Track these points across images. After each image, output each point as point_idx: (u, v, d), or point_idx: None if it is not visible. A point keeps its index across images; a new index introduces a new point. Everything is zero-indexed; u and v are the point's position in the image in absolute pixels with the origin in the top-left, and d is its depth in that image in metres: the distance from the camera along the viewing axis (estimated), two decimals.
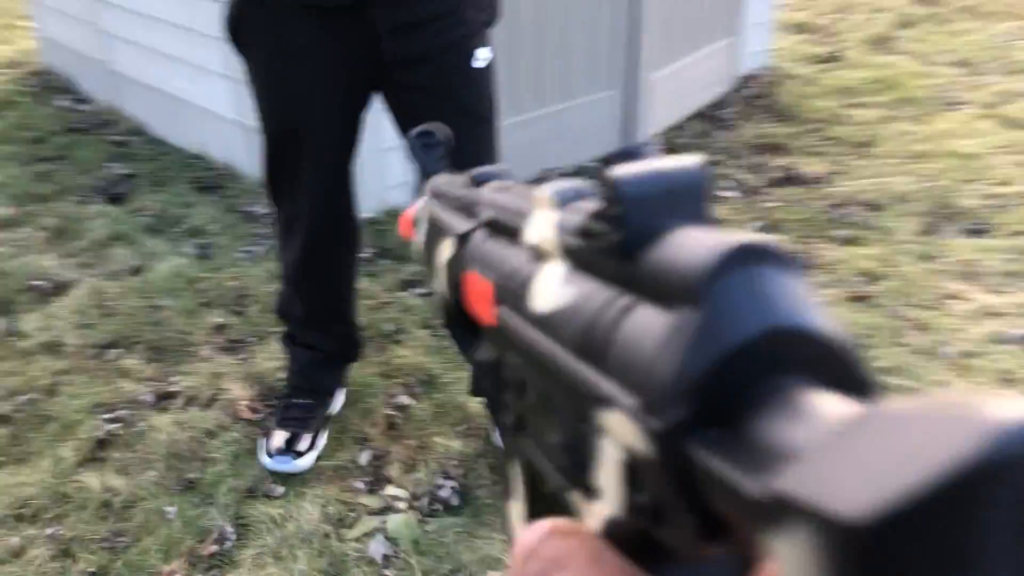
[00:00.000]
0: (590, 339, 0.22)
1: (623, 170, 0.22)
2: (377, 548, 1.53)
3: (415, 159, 0.53)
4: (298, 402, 1.82)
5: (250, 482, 1.69)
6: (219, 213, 2.77)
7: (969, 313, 2.20)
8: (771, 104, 3.67)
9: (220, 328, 2.17)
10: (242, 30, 1.51)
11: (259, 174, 1.71)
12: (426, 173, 0.51)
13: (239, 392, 1.93)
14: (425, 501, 1.65)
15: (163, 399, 1.92)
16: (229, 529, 1.57)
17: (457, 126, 1.48)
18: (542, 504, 0.29)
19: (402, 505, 1.64)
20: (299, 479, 1.70)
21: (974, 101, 3.60)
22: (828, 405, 0.16)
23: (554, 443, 0.26)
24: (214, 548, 1.53)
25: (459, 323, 0.37)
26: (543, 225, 0.27)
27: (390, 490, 1.69)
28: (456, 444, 1.78)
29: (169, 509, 1.62)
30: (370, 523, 1.59)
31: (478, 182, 0.38)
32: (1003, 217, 2.67)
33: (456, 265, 0.37)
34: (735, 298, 0.18)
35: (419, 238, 0.46)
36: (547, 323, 0.25)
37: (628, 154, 0.23)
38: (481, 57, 1.50)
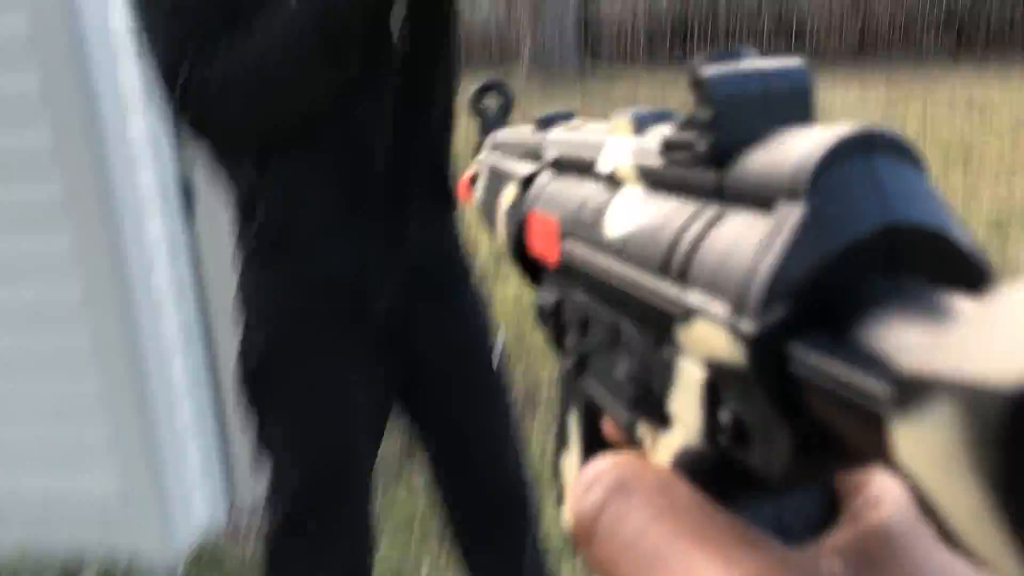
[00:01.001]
0: (671, 255, 0.21)
1: (716, 69, 0.20)
2: None
3: (476, 113, 0.51)
4: None
5: None
6: None
7: None
8: None
9: None
10: (274, 371, 1.37)
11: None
12: (487, 128, 0.49)
13: None
14: None
15: None
16: None
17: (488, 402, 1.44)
18: (600, 450, 0.28)
19: None
20: None
21: None
22: (955, 301, 0.14)
23: (622, 376, 0.25)
24: None
25: (523, 271, 0.35)
26: (619, 151, 0.26)
27: None
28: None
29: None
30: None
31: (545, 125, 0.37)
32: None
33: (519, 208, 0.35)
34: (848, 190, 0.17)
35: (478, 194, 0.43)
36: (622, 247, 0.24)
37: (723, 56, 0.21)
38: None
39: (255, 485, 2.02)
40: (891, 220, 0.16)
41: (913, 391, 0.13)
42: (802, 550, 0.19)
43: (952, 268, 0.16)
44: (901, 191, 0.17)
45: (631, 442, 0.24)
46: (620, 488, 0.20)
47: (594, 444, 0.30)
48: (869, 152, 0.17)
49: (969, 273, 0.17)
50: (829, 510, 0.21)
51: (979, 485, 0.11)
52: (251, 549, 2.22)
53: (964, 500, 0.12)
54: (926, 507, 0.13)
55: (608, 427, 0.27)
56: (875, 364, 0.14)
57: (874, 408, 0.14)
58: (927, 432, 0.12)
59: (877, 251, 0.16)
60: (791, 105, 0.20)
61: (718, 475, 0.20)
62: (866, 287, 0.16)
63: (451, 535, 1.59)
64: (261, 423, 1.44)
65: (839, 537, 0.20)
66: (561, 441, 0.32)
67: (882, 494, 0.21)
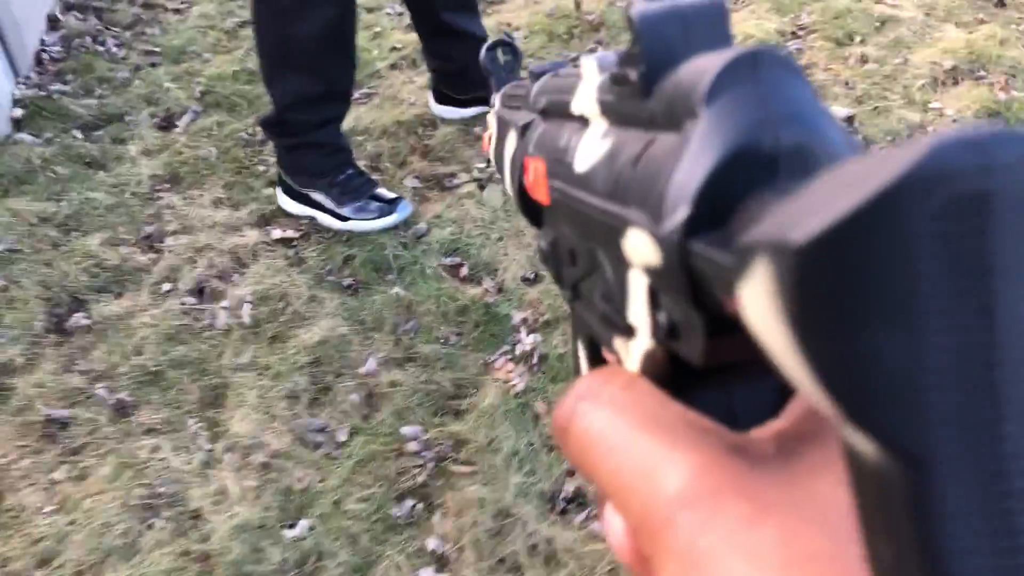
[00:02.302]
0: (618, 180, 0.23)
1: (642, 7, 0.22)
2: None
3: (489, 71, 0.53)
4: (348, 173, 1.96)
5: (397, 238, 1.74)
6: None
7: None
8: None
9: None
10: None
11: None
12: (499, 84, 0.51)
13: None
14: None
15: None
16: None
17: None
18: None
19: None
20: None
21: None
22: (808, 186, 0.16)
23: (599, 298, 0.27)
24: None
25: (527, 216, 0.37)
26: (586, 91, 0.28)
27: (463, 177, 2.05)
28: None
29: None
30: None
31: (536, 76, 0.38)
32: None
33: (518, 156, 0.37)
34: (736, 105, 0.19)
35: (492, 147, 0.46)
36: (587, 180, 0.26)
37: None
38: None
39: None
40: (774, 131, 0.19)
41: (744, 257, 0.15)
42: (743, 434, 0.21)
43: (827, 165, 0.18)
44: (784, 104, 0.19)
45: (615, 357, 0.27)
46: (589, 392, 0.23)
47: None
48: (755, 70, 0.19)
49: None
50: (780, 403, 0.23)
51: (786, 328, 0.14)
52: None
53: (781, 344, 0.14)
54: (770, 363, 0.15)
55: (606, 351, 0.29)
56: (732, 244, 0.17)
57: (729, 279, 0.16)
58: (754, 290, 0.15)
59: (761, 157, 0.19)
60: (709, 35, 0.22)
61: (672, 372, 0.23)
62: (750, 189, 0.18)
63: None
64: None
65: (779, 422, 0.21)
66: (575, 371, 0.35)
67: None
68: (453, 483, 1.44)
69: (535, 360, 1.63)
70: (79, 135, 2.33)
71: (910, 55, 2.45)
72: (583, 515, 1.38)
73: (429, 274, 1.83)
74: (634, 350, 0.24)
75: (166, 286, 1.85)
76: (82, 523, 1.40)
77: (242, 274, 1.87)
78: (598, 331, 0.28)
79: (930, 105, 2.26)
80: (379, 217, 1.93)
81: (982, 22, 2.57)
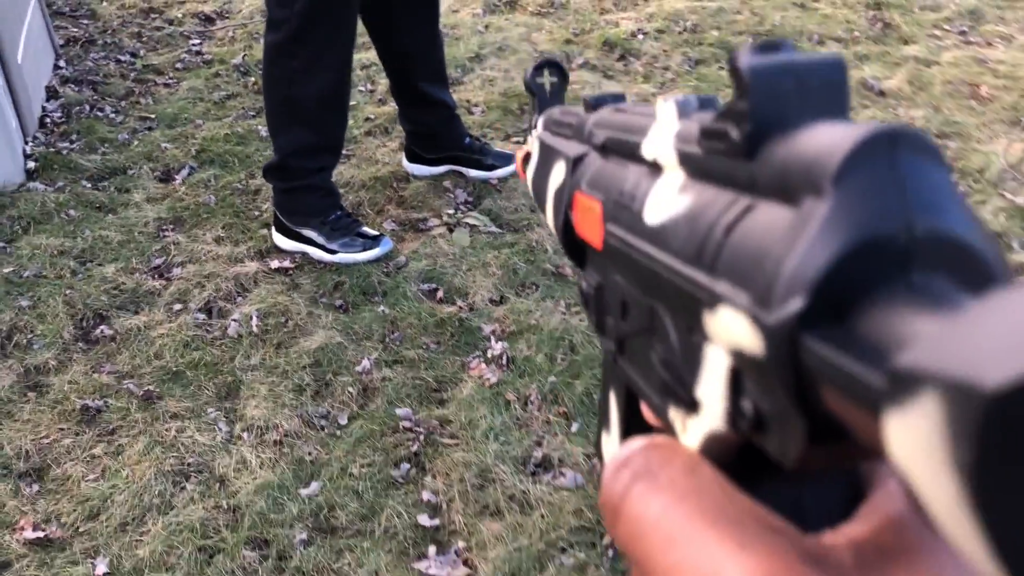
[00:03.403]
0: (704, 245, 0.21)
1: (754, 59, 0.20)
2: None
3: (532, 92, 0.51)
4: (337, 214, 2.27)
5: (381, 270, 2.01)
6: None
7: None
8: None
9: None
10: None
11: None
12: (543, 106, 0.50)
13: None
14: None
15: None
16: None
17: None
18: (639, 432, 0.28)
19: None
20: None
21: None
22: (959, 299, 0.15)
23: (656, 360, 0.26)
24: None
25: (569, 253, 0.36)
26: (662, 137, 0.26)
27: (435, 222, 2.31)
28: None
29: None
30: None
31: (593, 106, 0.37)
32: None
33: (566, 190, 0.35)
34: (869, 189, 0.17)
35: (531, 171, 0.44)
36: (659, 235, 0.24)
37: (764, 48, 0.21)
38: None
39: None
40: (909, 222, 0.17)
41: (905, 384, 0.14)
42: (817, 538, 0.19)
43: (964, 267, 0.17)
44: (921, 192, 0.17)
45: (665, 425, 0.25)
46: (646, 471, 0.22)
47: (633, 426, 0.31)
48: (892, 151, 0.17)
49: (980, 272, 0.17)
50: (852, 499, 0.21)
51: (957, 478, 0.12)
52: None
53: (943, 492, 0.13)
54: (914, 499, 0.14)
55: (646, 409, 0.28)
56: (875, 356, 0.15)
57: (871, 398, 0.15)
58: (914, 424, 0.13)
59: (893, 250, 0.17)
60: (826, 98, 0.20)
61: (742, 459, 0.21)
62: (878, 283, 0.16)
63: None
64: None
65: (855, 527, 0.20)
66: (603, 421, 0.34)
67: (901, 487, 0.20)
68: (441, 451, 1.72)
69: (504, 362, 1.94)
70: (87, 184, 2.60)
71: None
72: (549, 475, 1.68)
73: (410, 296, 2.14)
74: (695, 427, 0.23)
75: (177, 306, 2.12)
76: (122, 487, 1.64)
77: (245, 296, 2.15)
78: (648, 394, 0.27)
79: None
80: (364, 251, 2.24)
81: (865, 107, 3.05)
